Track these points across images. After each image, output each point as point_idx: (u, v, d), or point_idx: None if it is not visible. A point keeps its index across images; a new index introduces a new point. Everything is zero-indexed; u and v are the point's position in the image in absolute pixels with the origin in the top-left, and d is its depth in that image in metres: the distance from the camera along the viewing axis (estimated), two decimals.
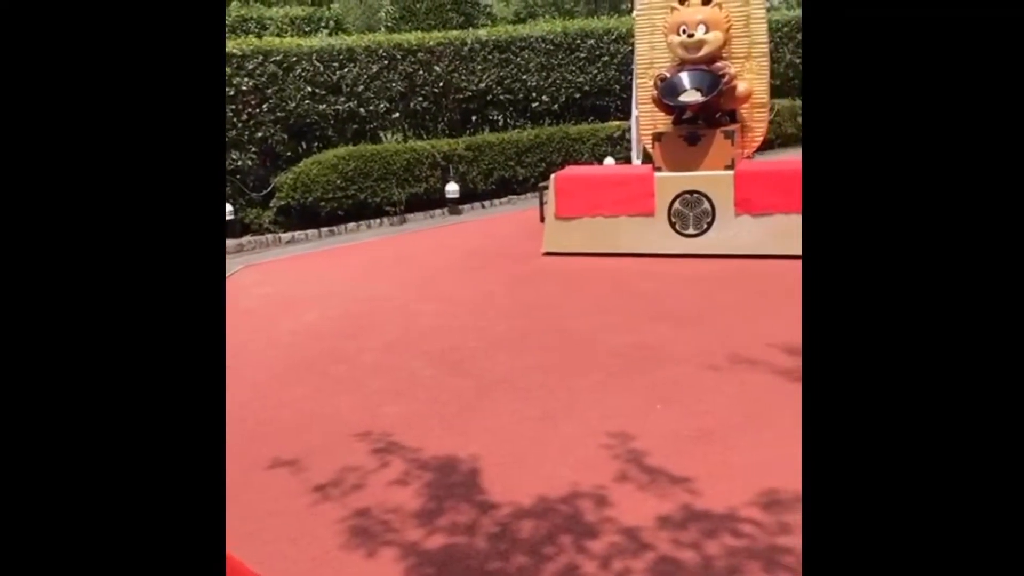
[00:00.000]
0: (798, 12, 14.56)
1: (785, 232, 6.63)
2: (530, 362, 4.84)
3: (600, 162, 10.67)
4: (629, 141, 8.37)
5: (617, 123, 11.17)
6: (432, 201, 10.58)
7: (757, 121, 7.11)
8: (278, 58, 10.11)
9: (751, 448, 3.58)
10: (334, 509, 3.32)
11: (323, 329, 5.83)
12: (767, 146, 12.34)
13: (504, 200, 11.09)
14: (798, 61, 12.99)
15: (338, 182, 9.96)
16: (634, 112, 7.99)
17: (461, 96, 11.32)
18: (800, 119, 12.79)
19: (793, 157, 11.51)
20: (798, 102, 12.81)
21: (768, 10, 15.08)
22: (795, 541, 2.88)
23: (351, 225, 10.20)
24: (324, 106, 10.50)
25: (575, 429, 3.89)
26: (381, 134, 11.16)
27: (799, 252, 6.53)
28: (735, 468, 3.42)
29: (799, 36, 12.93)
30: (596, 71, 11.66)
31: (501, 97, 11.50)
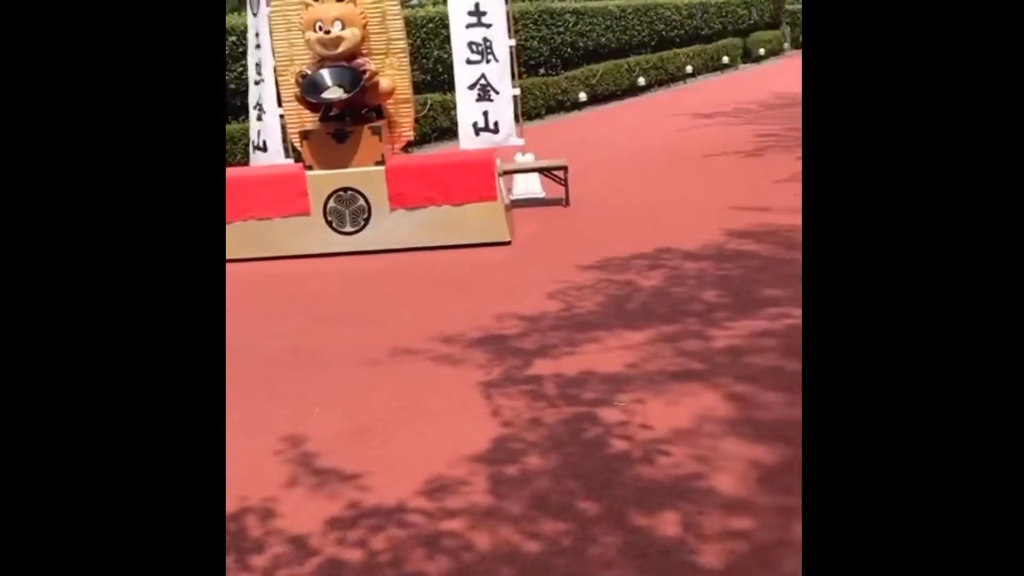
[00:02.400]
0: (442, 8, 15.08)
1: (440, 224, 6.83)
2: None
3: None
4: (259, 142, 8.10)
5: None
6: None
7: (403, 116, 7.24)
8: None
9: (413, 438, 3.62)
10: None
11: None
12: (423, 140, 12.68)
13: None
14: (446, 56, 13.45)
15: None
16: (278, 110, 7.77)
17: None
18: (454, 113, 13.26)
19: (449, 150, 11.94)
20: (449, 96, 13.28)
21: (414, 7, 15.50)
22: (457, 524, 2.94)
23: None
24: None
25: (235, 444, 3.67)
26: None
27: (452, 242, 6.78)
28: (400, 460, 3.43)
29: (444, 32, 13.39)
30: (241, 69, 11.17)
31: None
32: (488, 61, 8.05)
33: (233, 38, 11.35)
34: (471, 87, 8.12)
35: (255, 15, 7.96)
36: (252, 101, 7.97)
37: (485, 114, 8.12)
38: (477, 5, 7.90)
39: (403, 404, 3.97)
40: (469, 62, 8.10)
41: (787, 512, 2.82)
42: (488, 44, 8.00)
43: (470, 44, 8.06)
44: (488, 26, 7.95)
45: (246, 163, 8.82)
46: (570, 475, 3.18)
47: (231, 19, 11.50)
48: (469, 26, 8.00)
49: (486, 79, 8.10)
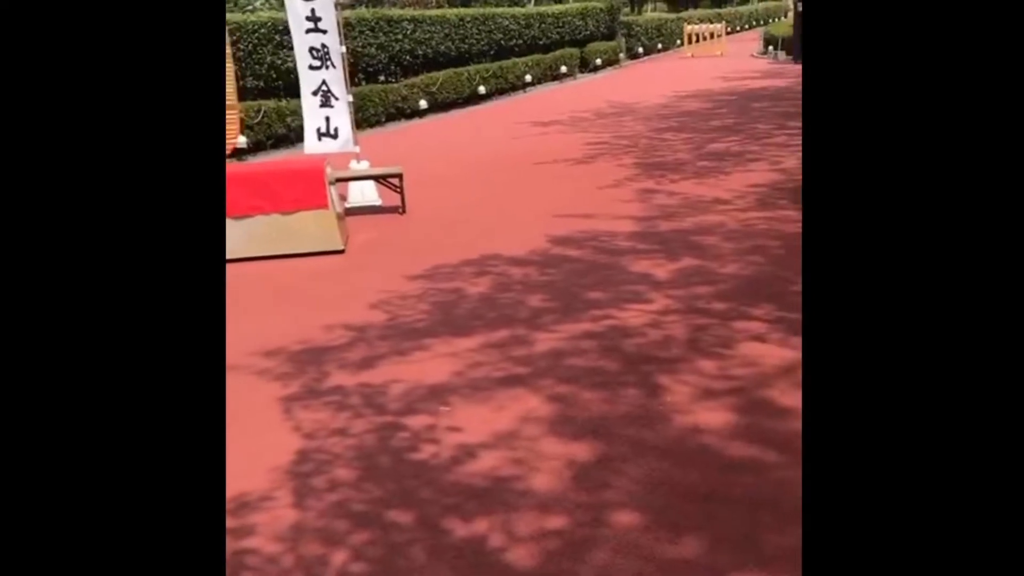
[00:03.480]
0: (275, 14, 14.74)
1: (270, 233, 6.66)
2: None
3: None
4: None
5: None
6: None
7: (228, 123, 7.01)
8: None
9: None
10: None
11: None
12: (259, 148, 12.33)
13: None
14: (279, 62, 13.14)
15: None
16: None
17: None
18: (288, 119, 12.97)
19: (284, 157, 11.65)
20: (284, 103, 12.98)
21: (247, 12, 15.03)
22: (257, 540, 2.88)
23: None
24: None
25: None
26: None
27: (283, 251, 6.63)
28: None
29: (278, 37, 13.07)
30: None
31: None
32: (327, 67, 7.97)
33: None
34: (314, 93, 8.08)
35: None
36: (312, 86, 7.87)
37: (327, 119, 8.12)
38: (313, 11, 7.81)
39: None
40: (311, 68, 8.03)
41: (599, 507, 2.92)
42: (326, 50, 7.93)
43: (311, 49, 7.99)
44: (324, 32, 7.87)
45: None
46: (381, 483, 3.18)
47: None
48: (308, 31, 7.91)
49: (327, 85, 8.03)
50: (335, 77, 8.00)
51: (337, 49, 7.94)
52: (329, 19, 7.86)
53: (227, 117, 6.97)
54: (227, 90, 6.85)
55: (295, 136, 13.26)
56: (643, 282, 5.46)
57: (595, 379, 3.97)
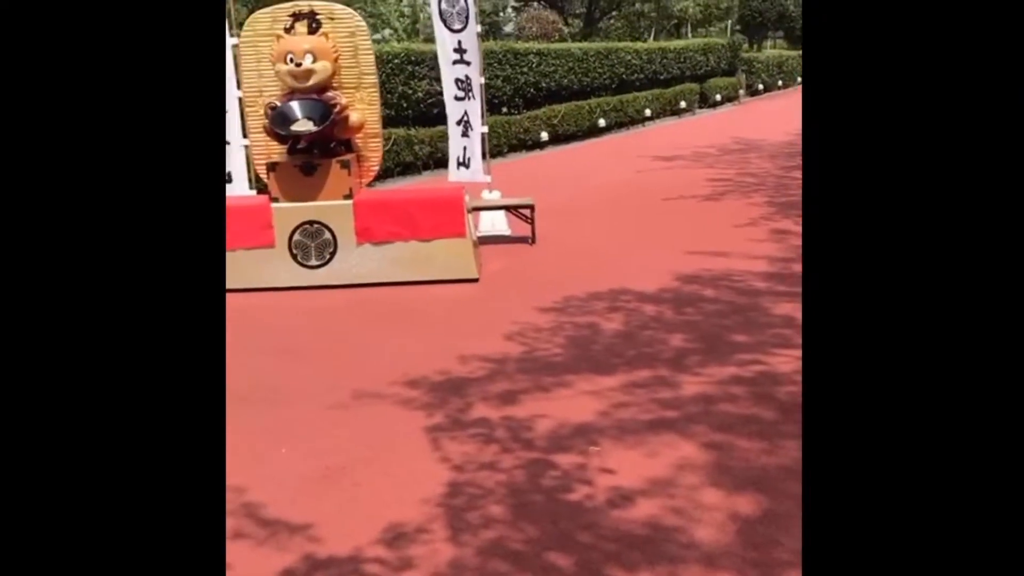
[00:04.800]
0: (409, 45, 15.14)
1: (407, 260, 6.76)
2: None
3: None
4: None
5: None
6: None
7: (372, 151, 7.18)
8: None
9: (375, 482, 3.52)
10: None
11: None
12: (386, 175, 12.62)
13: None
14: (410, 92, 13.48)
15: None
16: (244, 141, 7.66)
17: None
18: (416, 148, 13.26)
19: (412, 186, 11.90)
20: (413, 131, 13.28)
21: (379, 42, 15.50)
22: (417, 574, 2.86)
23: None
24: None
25: None
26: None
27: (419, 278, 6.72)
28: (359, 505, 3.33)
29: (410, 67, 13.42)
30: None
31: None
32: (469, 98, 8.13)
33: None
34: (458, 123, 8.26)
35: None
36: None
37: (464, 149, 8.30)
38: (460, 43, 7.97)
39: (366, 449, 3.88)
40: (456, 98, 8.22)
41: (771, 566, 2.79)
42: (469, 81, 8.08)
43: (456, 80, 8.17)
44: (468, 64, 8.02)
45: None
46: (537, 523, 3.12)
47: None
48: (455, 62, 8.08)
49: (467, 115, 8.19)
50: (474, 108, 8.14)
51: (478, 81, 8.08)
52: (473, 51, 8.01)
53: (371, 145, 7.15)
54: (373, 119, 7.03)
55: (422, 164, 13.54)
56: (788, 325, 5.27)
57: (751, 428, 3.83)
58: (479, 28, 8.11)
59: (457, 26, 7.98)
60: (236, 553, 3.02)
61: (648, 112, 20.34)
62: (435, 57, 13.99)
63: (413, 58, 13.64)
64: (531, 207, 8.10)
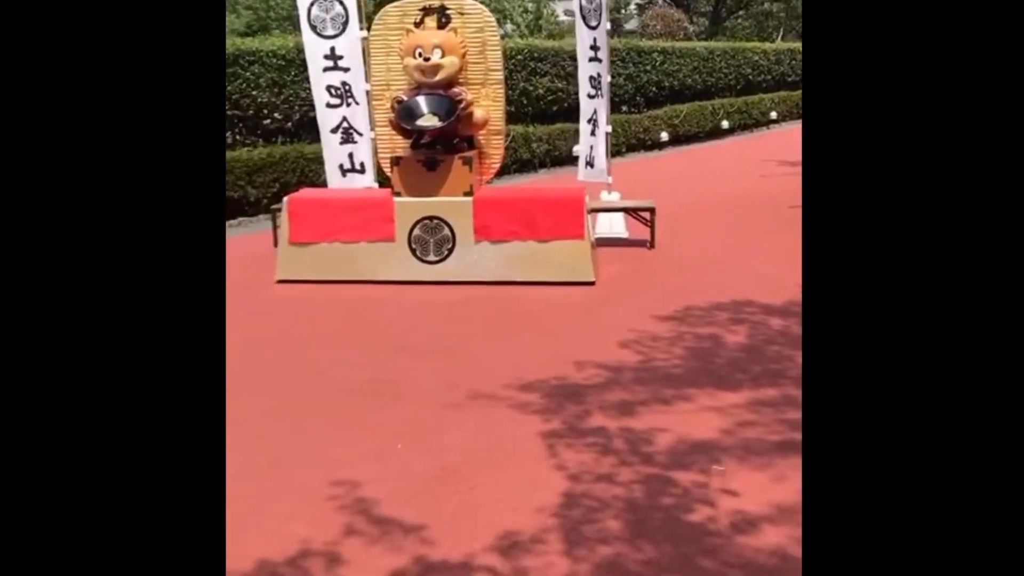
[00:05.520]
0: (532, 41, 15.12)
1: (524, 259, 6.70)
2: (259, 403, 4.43)
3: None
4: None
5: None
6: None
7: (494, 148, 7.16)
8: None
9: (490, 486, 3.46)
10: None
11: None
12: (504, 172, 12.64)
13: (234, 223, 10.39)
14: (531, 88, 13.45)
15: None
16: (370, 134, 7.76)
17: None
18: (534, 145, 13.22)
19: (529, 184, 11.86)
20: (531, 128, 13.25)
21: (502, 37, 15.56)
22: None
23: None
24: None
25: (308, 478, 3.57)
26: None
27: (536, 278, 6.65)
28: (474, 509, 3.28)
29: (532, 64, 13.40)
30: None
31: (229, 113, 10.81)
32: (599, 96, 8.02)
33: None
34: (588, 121, 8.18)
35: (327, 37, 7.83)
36: (331, 123, 7.91)
37: (591, 148, 8.21)
38: (595, 39, 7.86)
39: (481, 452, 3.82)
40: (589, 96, 8.14)
41: None
42: (599, 79, 7.97)
43: (590, 78, 8.08)
44: (600, 61, 7.91)
45: (323, 184, 8.82)
46: (656, 543, 2.99)
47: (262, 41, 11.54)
48: (590, 60, 7.99)
49: (596, 114, 8.08)
50: (602, 106, 8.02)
51: (606, 78, 7.95)
52: (604, 48, 7.89)
53: (494, 142, 7.13)
54: (497, 115, 7.00)
55: (538, 162, 13.50)
56: None
57: None
58: (608, 25, 7.99)
59: (593, 23, 7.87)
60: (348, 549, 3.02)
61: (774, 115, 19.72)
62: (557, 54, 13.98)
63: (536, 54, 13.61)
64: (652, 210, 7.92)
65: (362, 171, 7.94)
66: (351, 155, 7.94)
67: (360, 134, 7.80)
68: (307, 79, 9.06)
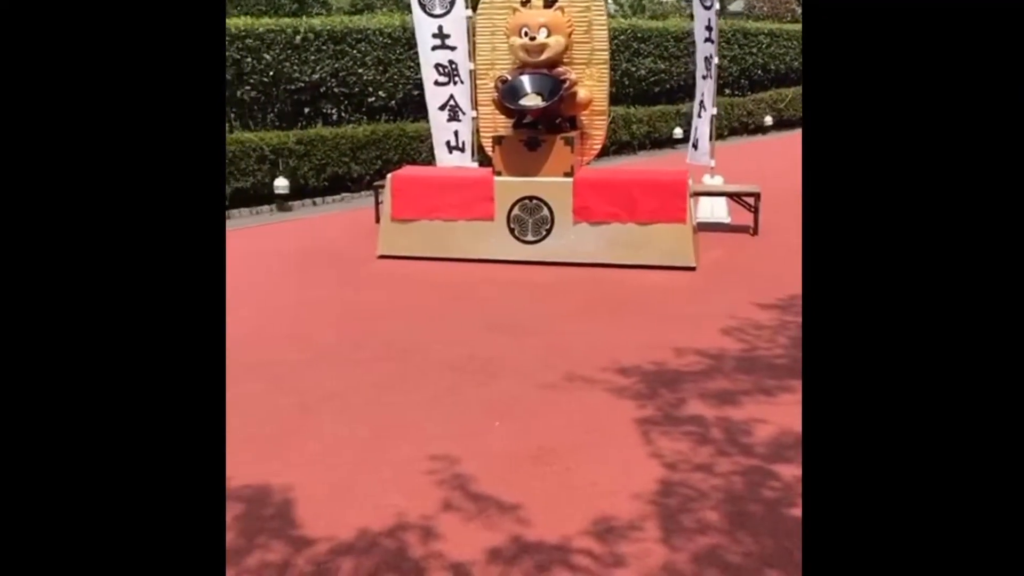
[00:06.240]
0: (636, 21, 14.89)
1: (622, 242, 6.63)
2: (361, 376, 4.53)
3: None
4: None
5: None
6: (259, 197, 9.98)
7: (596, 128, 7.09)
8: None
9: (586, 469, 3.44)
10: None
11: None
12: (602, 153, 12.52)
13: (337, 198, 10.64)
14: (633, 69, 13.26)
15: None
16: (472, 113, 7.79)
17: (292, 87, 10.77)
18: (634, 127, 13.05)
19: (629, 165, 11.71)
20: (632, 110, 13.07)
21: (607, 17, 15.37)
22: (627, 573, 2.75)
23: None
24: None
25: (406, 451, 3.62)
26: None
27: (634, 261, 6.56)
28: (570, 491, 3.27)
29: (635, 44, 13.20)
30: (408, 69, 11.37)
31: (336, 90, 11.03)
32: (708, 78, 7.87)
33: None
34: (700, 103, 8.05)
35: (435, 16, 7.85)
36: (439, 100, 7.99)
37: (696, 129, 8.10)
38: (710, 20, 7.70)
39: (578, 434, 3.80)
40: (703, 78, 8.00)
41: None
42: (710, 60, 7.81)
43: (705, 59, 7.95)
44: (712, 43, 7.75)
45: (430, 163, 8.92)
46: (756, 536, 2.91)
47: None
48: (705, 40, 7.83)
49: (704, 95, 7.93)
50: (710, 88, 7.85)
51: (715, 60, 7.78)
52: (715, 30, 7.72)
53: (596, 123, 7.06)
54: (600, 96, 6.92)
55: (638, 144, 13.32)
56: None
57: None
58: (717, 6, 7.79)
59: (707, 3, 7.70)
60: (445, 524, 3.05)
61: None
62: (660, 35, 13.73)
63: (639, 35, 13.40)
64: (757, 195, 7.71)
65: (463, 150, 8.00)
66: (456, 133, 8.01)
67: (464, 113, 7.85)
68: (411, 58, 9.17)
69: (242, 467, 3.46)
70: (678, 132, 13.60)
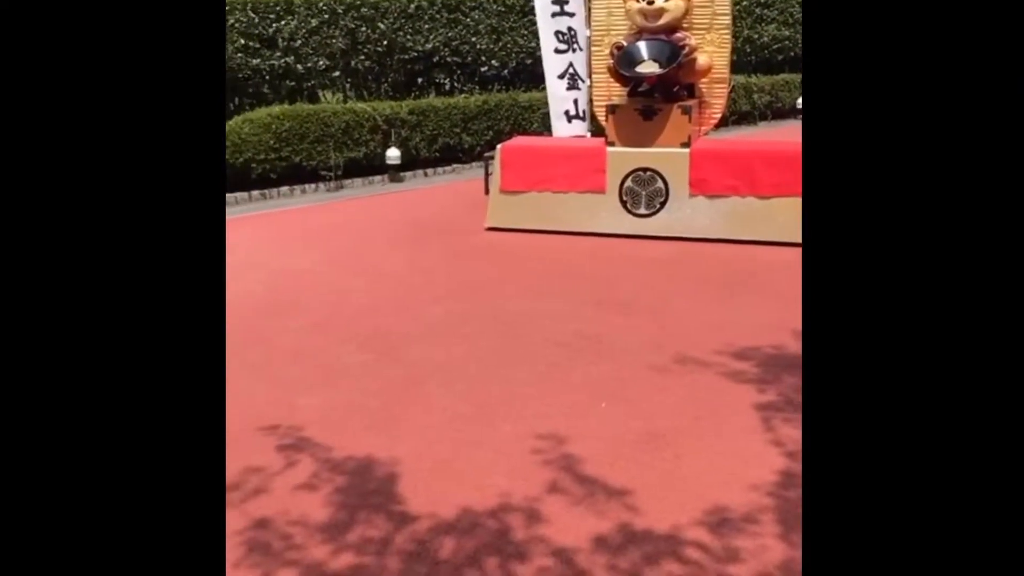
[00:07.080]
0: None
1: (741, 216, 6.34)
2: (467, 350, 4.46)
3: (550, 132, 10.26)
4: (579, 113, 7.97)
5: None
6: (371, 167, 10.08)
7: (716, 97, 6.78)
8: None
9: (699, 457, 3.27)
10: (232, 518, 2.91)
11: (241, 306, 5.37)
12: (722, 123, 12.08)
13: (448, 169, 10.63)
14: (756, 36, 12.71)
15: (271, 143, 9.38)
16: (587, 82, 7.60)
17: (406, 57, 10.78)
18: (755, 96, 12.53)
19: (748, 136, 11.26)
20: (753, 78, 12.55)
21: None
22: (743, 570, 2.57)
23: (284, 189, 9.65)
24: (258, 60, 9.88)
25: (511, 429, 3.53)
26: (320, 93, 10.56)
27: (753, 237, 6.27)
28: (681, 479, 3.10)
29: (758, 10, 12.63)
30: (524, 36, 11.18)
31: (448, 59, 10.99)
32: None
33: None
34: None
35: None
36: (558, 68, 7.85)
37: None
38: None
39: (690, 419, 3.62)
40: None
41: None
42: None
43: None
44: None
45: (542, 133, 8.78)
46: None
47: None
48: None
49: None
50: None
51: None
52: None
53: (716, 91, 6.75)
54: (721, 63, 6.61)
55: (758, 114, 12.80)
56: None
57: None
58: None
59: None
60: (550, 507, 2.94)
61: None
62: (785, 0, 13.09)
63: (762, 0, 12.82)
64: None
65: (583, 118, 7.86)
66: (576, 101, 7.86)
67: (583, 81, 7.69)
68: (525, 26, 9.01)
69: (349, 437, 3.45)
70: (801, 102, 12.97)
